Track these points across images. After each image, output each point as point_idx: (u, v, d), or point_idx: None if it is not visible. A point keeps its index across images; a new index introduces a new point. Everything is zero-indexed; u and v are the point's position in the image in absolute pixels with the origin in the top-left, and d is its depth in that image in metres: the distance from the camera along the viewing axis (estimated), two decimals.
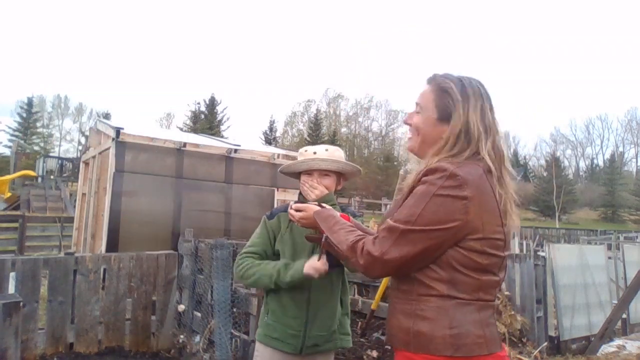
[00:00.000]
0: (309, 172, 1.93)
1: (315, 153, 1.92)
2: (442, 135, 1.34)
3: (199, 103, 46.21)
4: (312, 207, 1.67)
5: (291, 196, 7.44)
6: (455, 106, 1.34)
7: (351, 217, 1.66)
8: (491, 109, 1.38)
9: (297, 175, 2.01)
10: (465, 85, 1.37)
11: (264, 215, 2.02)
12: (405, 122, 1.48)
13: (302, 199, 1.96)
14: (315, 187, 1.87)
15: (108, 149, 5.55)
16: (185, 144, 5.87)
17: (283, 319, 1.84)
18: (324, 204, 1.73)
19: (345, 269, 1.94)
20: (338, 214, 1.61)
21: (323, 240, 1.59)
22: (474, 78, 1.42)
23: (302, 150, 2.01)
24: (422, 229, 1.23)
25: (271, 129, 48.38)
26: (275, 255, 1.95)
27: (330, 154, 1.93)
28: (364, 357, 3.95)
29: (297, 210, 1.70)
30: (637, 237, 19.47)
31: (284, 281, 1.78)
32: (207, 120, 43.93)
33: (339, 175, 1.97)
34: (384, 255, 1.25)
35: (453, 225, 1.22)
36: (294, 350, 1.83)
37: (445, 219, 1.22)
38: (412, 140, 1.45)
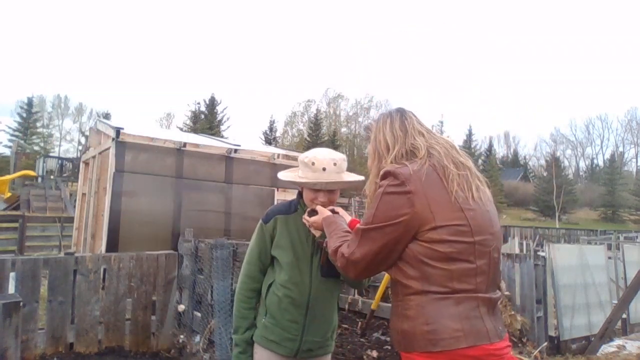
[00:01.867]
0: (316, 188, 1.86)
1: (324, 170, 1.82)
2: (371, 157, 1.63)
3: (199, 103, 46.21)
4: (325, 212, 1.75)
5: (291, 196, 7.41)
6: (372, 131, 1.64)
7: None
8: (403, 118, 1.58)
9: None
10: (380, 114, 1.66)
11: (260, 220, 1.98)
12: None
13: (302, 203, 1.93)
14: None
15: (108, 149, 5.55)
16: (185, 144, 5.87)
17: (281, 322, 1.84)
18: (336, 209, 1.79)
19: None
20: (347, 219, 1.72)
21: (324, 245, 1.68)
22: (398, 107, 1.67)
23: (306, 160, 1.86)
24: (376, 226, 1.38)
25: (271, 129, 48.39)
26: (271, 264, 1.94)
27: (339, 167, 1.85)
28: (364, 357, 3.95)
29: (310, 215, 1.80)
30: (637, 237, 19.45)
31: (235, 337, 1.97)
32: (207, 120, 43.92)
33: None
34: (351, 256, 1.41)
35: (403, 218, 1.34)
36: (289, 354, 1.85)
37: (394, 214, 1.36)
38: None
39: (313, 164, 1.83)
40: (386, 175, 1.43)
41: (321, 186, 1.84)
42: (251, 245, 1.98)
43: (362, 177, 2.00)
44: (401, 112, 1.61)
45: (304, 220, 1.82)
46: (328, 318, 1.92)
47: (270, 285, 1.90)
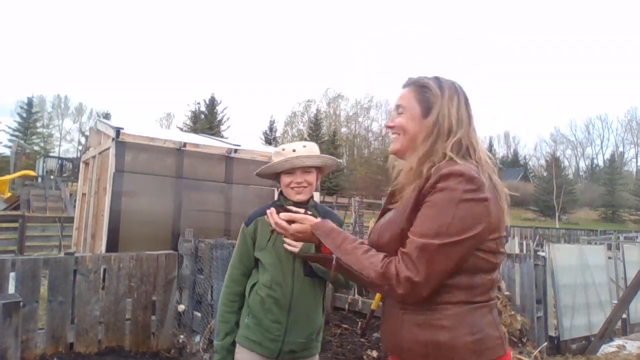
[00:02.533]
0: (291, 171, 1.86)
1: (294, 151, 1.86)
2: (426, 130, 1.32)
3: (199, 103, 46.31)
4: (309, 219, 1.47)
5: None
6: (435, 99, 1.33)
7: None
8: (466, 102, 1.37)
9: (275, 176, 1.94)
10: (441, 80, 1.38)
11: (243, 223, 1.96)
12: (388, 126, 1.41)
13: (283, 199, 1.91)
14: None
15: (108, 149, 5.55)
16: (185, 144, 5.87)
17: (264, 323, 1.82)
18: (308, 211, 1.62)
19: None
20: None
21: (334, 263, 1.33)
22: (448, 77, 1.43)
23: (278, 149, 1.92)
24: (456, 240, 1.17)
25: (271, 129, 48.43)
26: (255, 266, 1.92)
27: (309, 149, 1.88)
28: (364, 357, 3.95)
29: (289, 221, 1.50)
30: (637, 237, 19.45)
31: (215, 342, 1.95)
32: (207, 120, 43.95)
33: (318, 170, 1.94)
34: (426, 278, 1.17)
35: (481, 229, 1.19)
36: (271, 355, 1.83)
37: (473, 225, 1.18)
38: (397, 141, 1.38)
39: (283, 149, 1.89)
40: (451, 175, 1.20)
41: (292, 164, 1.83)
42: (235, 249, 1.98)
43: (337, 160, 2.00)
44: (464, 92, 1.37)
45: (277, 228, 1.53)
46: (312, 319, 1.87)
47: (253, 286, 1.88)
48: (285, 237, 1.57)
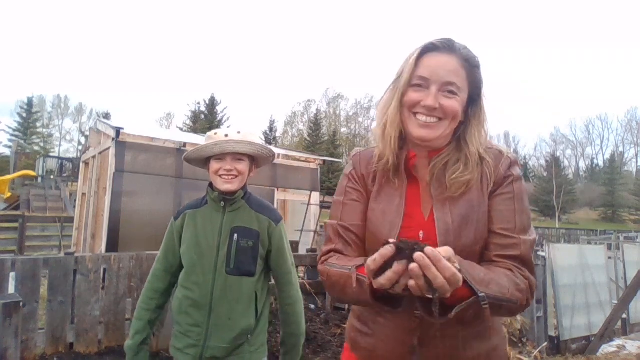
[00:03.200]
0: (220, 157, 1.69)
1: (227, 136, 1.69)
2: (477, 115, 1.12)
3: (199, 103, 46.40)
4: (451, 253, 0.86)
5: (292, 196, 7.40)
6: (482, 81, 1.12)
7: None
8: None
9: (203, 163, 1.78)
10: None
11: (172, 217, 1.82)
12: (432, 107, 1.06)
13: (210, 190, 1.76)
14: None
15: (108, 149, 5.55)
16: (185, 144, 5.87)
17: (184, 327, 1.69)
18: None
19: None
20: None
21: (484, 302, 0.88)
22: None
23: (210, 133, 1.75)
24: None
25: (271, 129, 48.46)
26: (181, 265, 1.78)
27: (243, 136, 1.70)
28: None
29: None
30: (637, 237, 19.48)
31: (125, 343, 1.77)
32: (207, 120, 43.99)
33: (252, 160, 1.76)
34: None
35: None
36: None
37: None
38: (439, 127, 1.08)
39: (215, 134, 1.73)
40: (516, 163, 1.13)
41: (221, 148, 1.66)
42: (162, 243, 1.84)
43: (273, 151, 1.79)
44: None
45: (443, 285, 0.80)
46: (235, 321, 1.66)
47: (176, 288, 1.77)
48: (435, 291, 0.83)
